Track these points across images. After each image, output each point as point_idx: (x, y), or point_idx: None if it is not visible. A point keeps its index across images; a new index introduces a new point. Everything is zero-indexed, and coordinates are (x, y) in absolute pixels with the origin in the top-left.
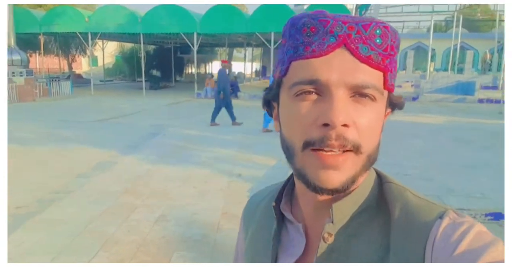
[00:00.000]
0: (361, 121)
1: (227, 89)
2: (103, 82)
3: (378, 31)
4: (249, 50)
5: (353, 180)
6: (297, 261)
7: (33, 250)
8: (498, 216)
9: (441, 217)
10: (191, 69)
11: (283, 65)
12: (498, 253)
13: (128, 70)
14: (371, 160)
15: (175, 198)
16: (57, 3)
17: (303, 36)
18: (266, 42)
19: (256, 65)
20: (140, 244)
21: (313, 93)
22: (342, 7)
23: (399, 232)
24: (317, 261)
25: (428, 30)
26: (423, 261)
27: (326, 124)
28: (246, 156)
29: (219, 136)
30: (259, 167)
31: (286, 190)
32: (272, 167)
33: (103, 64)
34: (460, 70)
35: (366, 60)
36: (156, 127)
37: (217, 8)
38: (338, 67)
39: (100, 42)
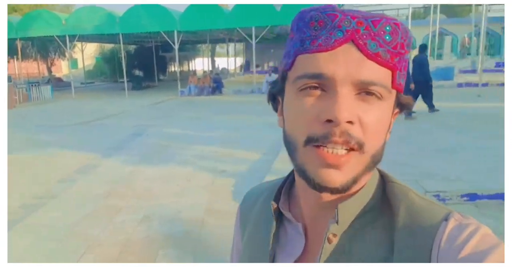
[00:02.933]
0: (366, 120)
1: None
2: (84, 84)
3: (388, 27)
4: (231, 45)
5: (354, 181)
6: (296, 261)
7: (20, 255)
8: (473, 197)
9: (446, 218)
10: (175, 67)
11: (288, 58)
12: (502, 256)
13: (109, 71)
14: (375, 160)
15: (158, 197)
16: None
17: (310, 30)
18: (247, 37)
19: (240, 60)
20: (124, 245)
21: (318, 88)
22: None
23: (404, 233)
24: (320, 262)
25: (408, 17)
26: (429, 262)
27: (329, 121)
28: (229, 152)
29: (202, 133)
30: (243, 162)
31: (285, 188)
32: (256, 161)
33: (83, 67)
34: (440, 56)
35: (373, 57)
36: (139, 127)
37: (196, 5)
38: (344, 63)
39: (79, 44)
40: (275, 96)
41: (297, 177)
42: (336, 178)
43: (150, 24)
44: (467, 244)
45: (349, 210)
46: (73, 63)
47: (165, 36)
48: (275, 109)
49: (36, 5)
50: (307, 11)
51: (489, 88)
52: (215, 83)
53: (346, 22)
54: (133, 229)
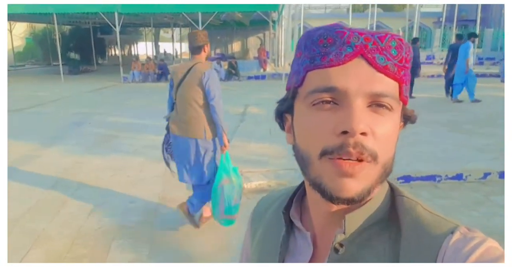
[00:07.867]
0: (379, 131)
1: None
2: (14, 68)
3: (393, 43)
4: (176, 30)
5: (369, 191)
6: None
7: None
8: (408, 179)
9: (452, 232)
10: (115, 51)
11: (298, 75)
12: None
13: (41, 53)
14: (387, 171)
15: (108, 188)
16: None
17: (320, 47)
18: (193, 23)
19: (185, 46)
20: (75, 237)
21: (331, 102)
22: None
23: (409, 246)
24: None
25: (348, 10)
26: None
27: (344, 132)
28: None
29: (152, 122)
30: None
31: (297, 197)
32: None
33: (12, 48)
34: None
35: (383, 70)
36: (80, 116)
37: None
38: (355, 76)
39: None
40: (283, 114)
41: (308, 189)
42: (351, 187)
43: (88, 5)
44: (471, 256)
45: (357, 221)
46: None
47: (105, 17)
48: (282, 128)
49: None
50: (314, 30)
51: (420, 80)
52: (160, 69)
53: (355, 38)
54: (83, 221)
